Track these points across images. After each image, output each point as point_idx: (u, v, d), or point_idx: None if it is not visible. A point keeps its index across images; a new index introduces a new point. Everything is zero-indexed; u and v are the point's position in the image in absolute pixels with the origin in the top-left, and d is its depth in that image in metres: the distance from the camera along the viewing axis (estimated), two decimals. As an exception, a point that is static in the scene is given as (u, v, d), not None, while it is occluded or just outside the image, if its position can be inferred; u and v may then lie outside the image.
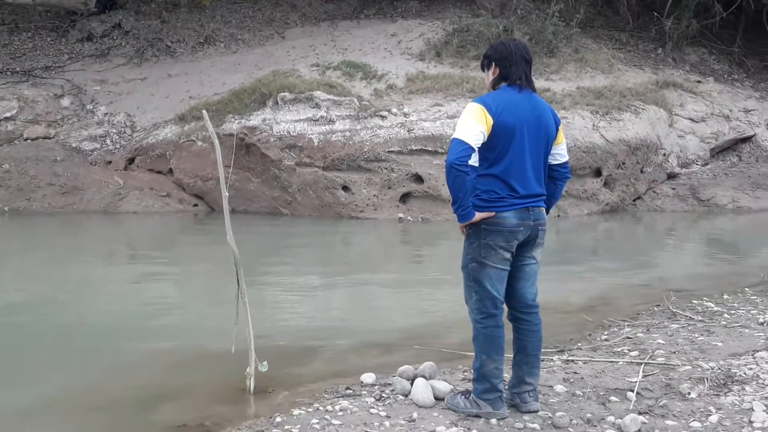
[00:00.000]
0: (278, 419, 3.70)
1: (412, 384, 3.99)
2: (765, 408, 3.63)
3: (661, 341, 5.08)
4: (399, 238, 10.91)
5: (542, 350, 3.94)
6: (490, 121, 3.55)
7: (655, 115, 14.11)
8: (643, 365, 4.45)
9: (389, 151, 11.83)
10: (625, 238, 11.62)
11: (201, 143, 12.44)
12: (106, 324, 5.97)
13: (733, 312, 6.01)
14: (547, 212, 3.87)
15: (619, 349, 4.94)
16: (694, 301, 6.54)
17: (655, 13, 16.89)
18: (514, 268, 3.75)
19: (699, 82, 16.27)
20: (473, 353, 3.76)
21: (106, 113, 14.31)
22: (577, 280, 8.06)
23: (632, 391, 3.98)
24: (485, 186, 3.63)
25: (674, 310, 6.15)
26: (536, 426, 3.56)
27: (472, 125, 3.53)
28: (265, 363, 4.29)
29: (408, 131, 12.02)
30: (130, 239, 10.86)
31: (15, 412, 4.10)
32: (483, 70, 3.89)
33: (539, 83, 13.72)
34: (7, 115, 13.64)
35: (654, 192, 13.90)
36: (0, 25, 17.08)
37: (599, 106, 13.44)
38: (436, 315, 6.40)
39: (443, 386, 3.97)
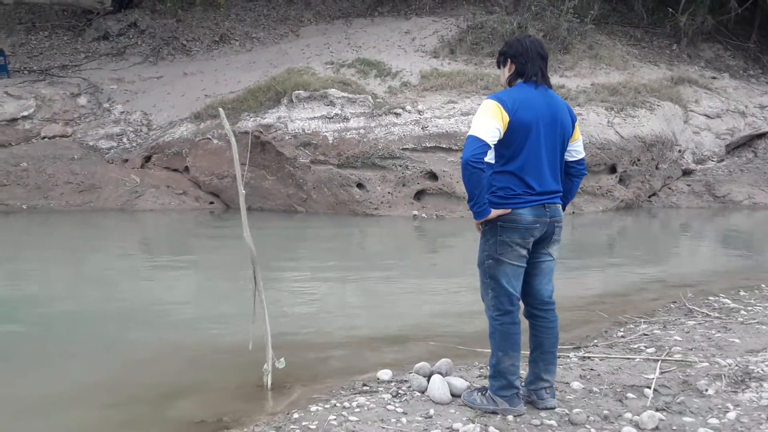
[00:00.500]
0: (296, 415, 3.73)
1: (428, 381, 4.01)
2: (783, 405, 3.62)
3: (678, 338, 5.07)
4: (414, 235, 10.93)
5: (559, 347, 3.94)
6: (506, 118, 3.54)
7: (670, 112, 14.04)
8: (660, 362, 4.44)
9: (404, 149, 11.85)
10: (641, 235, 11.58)
11: (217, 141, 12.50)
12: (123, 320, 6.03)
13: (750, 308, 5.99)
14: (564, 209, 3.86)
15: (635, 346, 4.93)
16: (710, 298, 6.53)
17: (670, 9, 16.80)
18: (530, 265, 3.75)
19: (714, 78, 16.18)
20: (489, 350, 3.77)
21: (123, 112, 14.40)
22: (593, 277, 8.05)
23: (649, 387, 3.98)
24: (501, 183, 3.64)
25: (691, 306, 6.13)
26: (553, 422, 3.57)
27: (488, 122, 3.53)
28: (282, 359, 4.32)
29: (422, 128, 12.03)
30: (147, 236, 10.94)
31: (32, 406, 4.15)
32: (499, 66, 3.88)
33: (554, 80, 13.69)
34: (25, 113, 13.75)
35: (669, 188, 13.84)
36: (17, 24, 17.23)
37: (614, 102, 13.39)
38: (452, 312, 6.40)
39: (460, 383, 3.98)
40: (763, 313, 5.73)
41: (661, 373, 4.25)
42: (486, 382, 3.89)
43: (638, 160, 13.03)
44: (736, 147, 15.25)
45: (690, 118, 14.69)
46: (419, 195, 12.07)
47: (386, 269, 8.32)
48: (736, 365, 4.28)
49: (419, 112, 12.38)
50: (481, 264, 3.76)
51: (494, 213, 3.61)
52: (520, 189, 3.63)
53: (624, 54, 15.89)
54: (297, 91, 12.49)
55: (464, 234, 10.34)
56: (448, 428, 3.52)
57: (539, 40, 3.89)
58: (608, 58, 15.23)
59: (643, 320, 5.78)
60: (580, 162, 3.89)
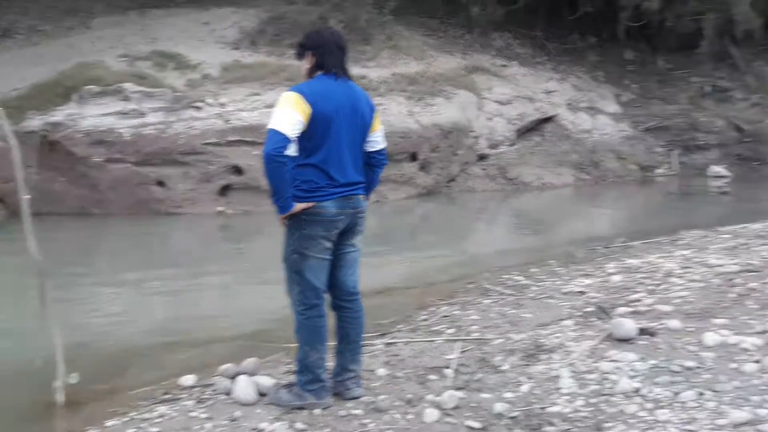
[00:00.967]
0: (91, 433, 3.52)
1: (234, 382, 3.92)
2: (571, 374, 3.88)
3: (476, 317, 5.32)
4: (219, 233, 10.70)
5: (364, 336, 3.99)
6: (308, 110, 3.52)
7: (466, 99, 14.70)
8: (459, 342, 4.63)
9: (206, 143, 11.52)
10: (442, 220, 12.05)
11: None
12: None
13: (540, 284, 6.39)
14: (367, 199, 3.91)
15: (437, 328, 5.11)
16: (504, 276, 6.89)
17: (463, 0, 17.52)
18: (335, 257, 3.76)
19: (504, 66, 17.10)
20: (297, 345, 3.75)
21: None
22: (398, 264, 8.26)
23: (449, 368, 4.13)
24: (304, 176, 3.62)
25: (487, 286, 6.45)
26: (359, 411, 3.61)
27: (289, 114, 3.49)
28: (75, 374, 4.06)
29: (225, 122, 11.76)
30: None
31: None
32: (298, 58, 3.85)
33: (355, 70, 13.80)
34: None
35: (466, 173, 14.45)
36: None
37: (413, 92, 13.80)
38: (260, 309, 6.32)
39: (267, 381, 3.93)
40: (551, 288, 6.14)
41: (461, 352, 4.43)
42: (293, 378, 3.86)
43: (437, 147, 13.52)
44: (526, 131, 16.21)
45: (484, 105, 15.41)
46: (224, 190, 11.80)
47: (190, 269, 8.06)
48: (528, 339, 4.55)
49: (221, 105, 12.10)
50: (286, 259, 3.73)
51: (298, 207, 3.59)
52: (323, 181, 3.63)
53: (422, 44, 16.39)
54: (88, 87, 11.76)
55: (271, 229, 10.24)
56: (254, 429, 3.46)
57: (339, 32, 3.93)
58: (407, 48, 15.65)
59: (443, 303, 6.01)
60: (380, 152, 3.93)
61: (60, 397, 4.02)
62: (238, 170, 11.70)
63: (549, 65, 18.11)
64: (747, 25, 16.93)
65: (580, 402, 3.56)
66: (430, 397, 3.73)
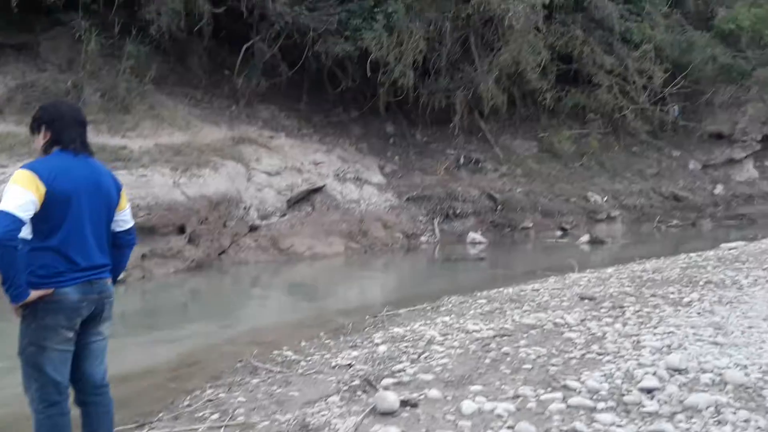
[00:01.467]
0: None
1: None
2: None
3: (242, 399, 5.10)
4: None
5: (121, 428, 3.69)
6: (42, 189, 3.27)
7: (234, 170, 14.58)
8: (223, 428, 4.40)
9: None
10: (212, 295, 11.69)
11: None
12: None
13: (309, 359, 6.30)
14: (114, 283, 3.68)
15: (200, 414, 4.83)
16: (275, 352, 6.74)
17: (227, 71, 17.53)
18: (79, 347, 3.48)
19: (272, 137, 17.24)
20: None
21: None
22: (164, 345, 7.82)
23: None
24: (41, 260, 3.33)
25: (255, 363, 6.25)
26: None
27: (21, 194, 3.22)
28: None
29: (-35, 197, 10.66)
30: None
31: None
32: (32, 133, 3.59)
33: (115, 141, 13.32)
34: None
35: (237, 245, 14.25)
36: None
37: (179, 162, 13.45)
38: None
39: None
40: (320, 362, 6.07)
41: (225, 440, 4.21)
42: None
43: (206, 219, 13.22)
44: (297, 201, 16.37)
45: (253, 176, 15.39)
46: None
47: None
48: (294, 420, 4.42)
49: (-38, 178, 10.98)
50: (22, 352, 3.38)
51: (34, 294, 3.28)
52: (62, 266, 3.36)
53: (186, 114, 16.10)
54: None
55: (6, 318, 9.34)
56: None
57: (77, 106, 3.75)
58: (171, 118, 15.30)
59: (209, 385, 5.73)
60: (129, 231, 3.74)
61: None
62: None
63: (315, 137, 18.55)
64: (492, 101, 18.54)
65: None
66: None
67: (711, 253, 12.08)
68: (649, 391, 4.28)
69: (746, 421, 3.80)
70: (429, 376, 4.96)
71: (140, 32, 15.13)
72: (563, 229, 18.27)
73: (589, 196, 19.86)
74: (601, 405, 4.13)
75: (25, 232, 3.26)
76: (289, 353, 6.64)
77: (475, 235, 16.89)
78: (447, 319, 7.32)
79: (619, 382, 4.50)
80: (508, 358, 5.29)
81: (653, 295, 7.75)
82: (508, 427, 3.90)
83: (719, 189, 22.45)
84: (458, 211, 17.76)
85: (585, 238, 17.07)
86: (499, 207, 18.19)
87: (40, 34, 15.44)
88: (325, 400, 4.79)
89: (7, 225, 3.17)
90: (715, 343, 5.35)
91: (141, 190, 11.96)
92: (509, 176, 19.59)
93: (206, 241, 13.34)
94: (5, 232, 3.16)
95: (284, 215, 15.70)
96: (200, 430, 4.46)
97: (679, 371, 4.62)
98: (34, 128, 3.59)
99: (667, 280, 8.87)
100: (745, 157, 23.82)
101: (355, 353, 6.17)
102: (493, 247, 16.31)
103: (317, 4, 16.99)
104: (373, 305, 9.43)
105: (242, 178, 14.82)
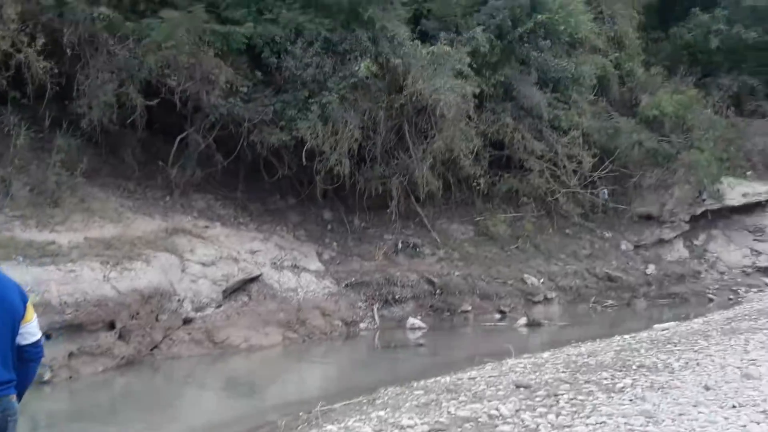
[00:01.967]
0: None
1: None
2: None
3: None
4: None
5: None
6: None
7: (167, 262, 14.30)
8: None
9: None
10: (143, 394, 11.27)
11: None
12: None
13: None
14: (20, 399, 3.50)
15: None
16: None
17: (161, 162, 17.40)
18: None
19: (207, 227, 17.03)
20: None
21: None
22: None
23: None
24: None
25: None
26: None
27: None
28: None
29: None
30: None
31: None
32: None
33: (43, 235, 12.97)
34: None
35: (170, 339, 13.83)
36: None
37: (109, 256, 13.13)
38: None
39: None
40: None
41: None
42: None
43: (137, 313, 12.85)
44: (232, 292, 16.08)
45: (187, 267, 15.09)
46: None
47: None
48: None
49: None
50: None
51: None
52: (-36, 383, 3.17)
53: (118, 206, 15.82)
54: None
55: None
56: None
57: None
58: (102, 210, 15.01)
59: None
60: (35, 345, 3.58)
61: None
62: None
63: (252, 225, 18.41)
64: (428, 187, 18.80)
65: None
66: None
67: (644, 334, 12.26)
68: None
69: None
70: (359, 481, 4.83)
71: (71, 125, 14.99)
72: (501, 312, 18.36)
73: (525, 278, 20.05)
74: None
75: None
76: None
77: (414, 321, 16.83)
78: (382, 413, 7.18)
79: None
80: (441, 456, 5.19)
81: (587, 381, 7.77)
82: None
83: (651, 269, 22.95)
84: (397, 296, 17.68)
85: (523, 320, 17.18)
86: (437, 291, 18.21)
87: (-34, 129, 15.16)
88: None
89: None
90: (646, 433, 5.35)
91: (69, 286, 11.63)
92: (447, 260, 19.70)
93: (137, 337, 12.94)
94: None
95: (220, 306, 15.38)
96: None
97: (611, 465, 4.59)
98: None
99: (601, 365, 8.92)
100: (675, 237, 24.52)
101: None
102: (432, 332, 16.25)
103: (252, 95, 17.11)
104: (309, 400, 9.23)
105: (176, 270, 14.53)
